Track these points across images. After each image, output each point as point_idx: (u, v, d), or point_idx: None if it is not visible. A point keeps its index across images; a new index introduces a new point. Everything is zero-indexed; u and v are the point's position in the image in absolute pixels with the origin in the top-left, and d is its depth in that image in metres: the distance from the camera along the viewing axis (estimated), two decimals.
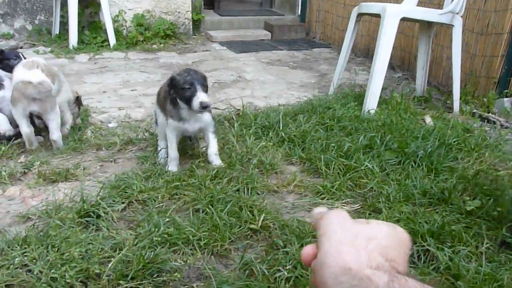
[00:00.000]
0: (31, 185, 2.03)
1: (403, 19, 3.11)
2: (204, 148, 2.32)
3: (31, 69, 2.37)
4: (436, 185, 1.86)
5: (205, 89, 2.01)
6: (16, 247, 1.42)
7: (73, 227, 1.52)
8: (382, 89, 3.08)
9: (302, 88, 3.91)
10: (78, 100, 2.80)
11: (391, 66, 4.52)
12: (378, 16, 3.17)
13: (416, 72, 3.66)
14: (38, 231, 1.55)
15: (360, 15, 3.44)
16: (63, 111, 2.57)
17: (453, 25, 3.15)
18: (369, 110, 2.96)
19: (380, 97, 3.10)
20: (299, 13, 6.24)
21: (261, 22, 6.12)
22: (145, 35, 5.20)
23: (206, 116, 2.12)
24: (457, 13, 3.12)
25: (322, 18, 5.78)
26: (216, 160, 2.17)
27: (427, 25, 3.43)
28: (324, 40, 5.80)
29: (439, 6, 3.60)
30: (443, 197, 1.79)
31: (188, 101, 1.97)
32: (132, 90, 3.69)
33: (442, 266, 1.41)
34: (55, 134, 2.42)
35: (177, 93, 2.03)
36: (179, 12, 5.51)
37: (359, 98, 3.24)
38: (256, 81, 4.07)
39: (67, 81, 2.72)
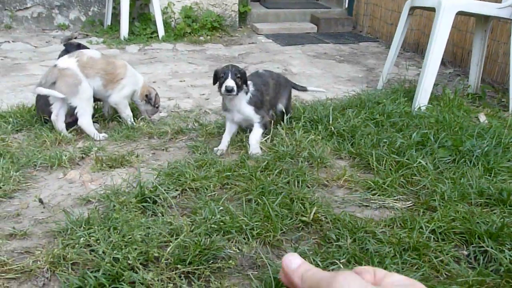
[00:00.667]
0: (89, 170, 2.12)
1: (459, 13, 3.01)
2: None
3: (70, 57, 2.49)
4: (494, 186, 1.81)
5: (237, 78, 2.26)
6: (80, 228, 1.50)
7: (134, 211, 1.58)
8: (433, 85, 3.00)
9: (349, 82, 3.87)
10: (147, 97, 2.79)
11: (442, 62, 4.38)
12: (432, 10, 3.08)
13: (470, 68, 3.54)
14: (100, 213, 1.63)
15: (412, 8, 3.36)
16: (119, 105, 2.68)
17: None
18: (420, 106, 2.90)
19: (432, 93, 3.03)
20: (346, 6, 6.15)
21: (307, 15, 6.07)
22: (193, 27, 5.28)
23: (248, 110, 2.36)
24: None
25: (370, 11, 5.67)
26: (254, 148, 2.30)
27: (483, 19, 3.30)
28: (371, 34, 5.69)
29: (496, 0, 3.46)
30: (501, 198, 1.73)
31: (220, 88, 2.30)
32: (180, 81, 3.77)
33: (503, 268, 1.37)
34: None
35: (217, 83, 2.35)
36: (226, 5, 5.56)
37: (409, 93, 3.17)
38: (303, 74, 4.06)
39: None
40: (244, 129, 2.56)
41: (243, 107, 2.35)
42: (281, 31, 5.67)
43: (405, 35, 4.33)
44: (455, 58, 4.31)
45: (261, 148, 2.30)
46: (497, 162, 2.03)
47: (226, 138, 2.41)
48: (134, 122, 2.73)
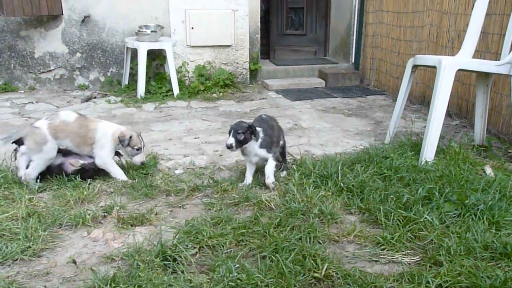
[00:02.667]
0: (112, 228, 2.24)
1: (460, 70, 3.18)
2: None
3: (45, 119, 2.84)
4: (498, 239, 1.88)
5: (238, 134, 2.70)
6: (107, 286, 1.60)
7: (157, 269, 1.69)
8: (440, 138, 3.12)
9: (357, 136, 4.00)
10: (120, 140, 2.88)
11: (448, 114, 4.53)
12: (433, 67, 3.25)
13: (475, 120, 3.65)
14: (124, 271, 1.73)
15: (415, 66, 3.54)
16: (103, 165, 2.91)
17: (511, 75, 3.17)
18: (426, 160, 3.00)
19: (438, 146, 3.14)
20: (353, 61, 6.42)
21: (315, 70, 6.34)
22: (206, 84, 5.55)
23: (262, 152, 2.82)
24: None
25: (376, 66, 5.91)
26: (269, 177, 2.76)
27: (484, 74, 3.46)
28: (378, 87, 5.90)
29: (497, 54, 3.64)
30: (505, 252, 1.80)
31: None
32: (195, 138, 3.95)
33: None
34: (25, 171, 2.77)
35: None
36: (237, 63, 5.85)
37: (416, 147, 3.28)
38: (312, 129, 4.21)
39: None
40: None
41: (257, 150, 2.82)
42: (290, 87, 5.92)
43: (411, 88, 4.51)
44: (460, 110, 4.45)
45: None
46: (502, 215, 2.11)
47: (248, 176, 2.90)
48: (127, 178, 2.90)
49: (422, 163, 2.98)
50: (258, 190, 2.71)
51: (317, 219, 2.21)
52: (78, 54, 5.59)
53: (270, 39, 7.40)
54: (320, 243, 2.00)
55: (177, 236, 2.00)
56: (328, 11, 6.86)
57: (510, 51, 3.13)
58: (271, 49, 7.37)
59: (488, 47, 3.93)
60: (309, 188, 2.49)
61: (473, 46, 3.58)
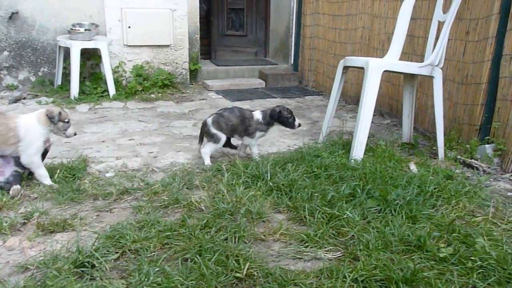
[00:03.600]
0: (30, 237, 2.13)
1: (386, 71, 3.32)
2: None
3: None
4: (413, 233, 1.97)
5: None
6: None
7: (68, 277, 1.61)
8: (370, 136, 3.23)
9: (294, 135, 4.07)
10: (49, 118, 2.75)
11: (380, 113, 4.72)
12: (362, 68, 3.37)
13: (402, 119, 3.82)
14: (36, 281, 1.65)
15: (346, 67, 3.65)
16: (29, 165, 2.72)
17: (433, 77, 3.34)
18: (355, 158, 3.10)
19: (368, 144, 3.26)
20: (292, 62, 6.53)
21: (256, 71, 6.39)
22: (144, 85, 5.43)
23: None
24: (436, 65, 3.32)
25: (314, 67, 6.04)
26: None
27: (410, 76, 3.63)
28: (316, 88, 6.04)
29: (422, 57, 3.82)
30: (419, 244, 1.89)
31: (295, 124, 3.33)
32: (130, 140, 3.85)
33: None
34: None
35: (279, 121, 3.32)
36: (176, 63, 5.77)
37: (347, 145, 3.38)
38: None
39: None
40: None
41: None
42: (231, 87, 5.92)
43: (346, 88, 4.63)
44: (391, 110, 4.64)
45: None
46: (419, 210, 2.22)
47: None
48: (52, 183, 2.75)
49: (352, 161, 3.08)
50: (189, 191, 2.68)
51: (244, 219, 2.22)
52: (6, 53, 5.28)
53: (211, 40, 7.37)
54: (246, 243, 2.01)
55: (96, 242, 1.92)
56: (268, 12, 6.94)
57: (431, 54, 3.30)
58: (212, 49, 7.35)
59: (415, 49, 4.13)
60: (239, 188, 2.49)
61: (400, 48, 3.74)
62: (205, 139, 3.28)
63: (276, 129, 4.21)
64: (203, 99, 5.43)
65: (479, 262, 1.72)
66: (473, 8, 3.45)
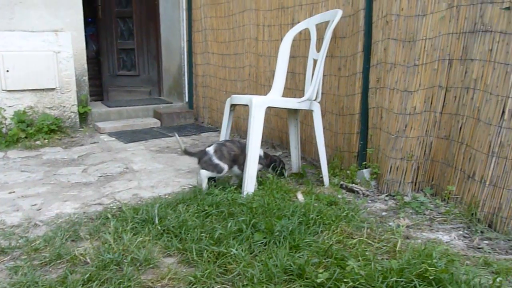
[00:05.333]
0: None
1: (269, 108, 3.51)
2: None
3: None
4: (294, 262, 2.07)
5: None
6: None
7: None
8: (257, 171, 3.36)
9: (189, 174, 4.07)
10: None
11: (272, 146, 4.94)
12: (247, 105, 3.52)
13: (291, 151, 4.04)
14: None
15: (233, 105, 3.80)
16: None
17: (312, 110, 3.61)
18: (248, 193, 3.20)
19: (258, 177, 3.39)
20: (187, 100, 6.60)
21: (150, 110, 6.34)
22: (28, 131, 5.10)
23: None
24: (314, 100, 3.59)
25: (208, 104, 6.17)
26: None
27: (293, 110, 3.87)
28: (212, 124, 6.15)
29: (303, 91, 4.11)
30: (299, 272, 2.00)
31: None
32: (10, 193, 3.56)
33: None
34: None
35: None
36: (64, 107, 5.52)
37: (240, 181, 3.47)
38: (144, 171, 4.16)
39: None
40: None
41: None
42: (124, 128, 5.79)
43: (239, 123, 4.77)
44: (282, 142, 4.88)
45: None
46: (302, 238, 2.34)
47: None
48: None
49: (244, 196, 3.16)
50: (74, 244, 2.54)
51: (131, 267, 2.16)
52: None
53: (102, 80, 7.20)
54: None
55: None
56: (159, 52, 6.99)
57: (309, 89, 3.57)
58: (104, 90, 7.17)
59: (297, 85, 4.43)
60: (127, 236, 2.43)
61: (282, 85, 4.00)
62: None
63: (172, 169, 4.23)
64: (94, 143, 5.23)
65: (351, 283, 1.86)
66: (342, 47, 3.82)
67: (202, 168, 3.33)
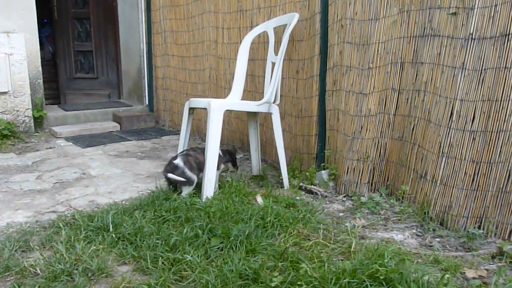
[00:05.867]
0: None
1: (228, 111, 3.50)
2: None
3: None
4: (250, 266, 2.07)
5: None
6: None
7: None
8: (223, 172, 3.35)
9: (148, 178, 4.01)
10: None
11: (234, 148, 4.92)
12: (205, 109, 3.50)
13: (251, 153, 4.04)
14: None
15: (192, 108, 3.76)
16: None
17: (271, 113, 3.63)
18: (207, 197, 3.17)
19: (220, 181, 3.37)
20: (147, 103, 6.49)
21: (109, 114, 6.20)
22: None
23: None
24: (273, 102, 3.61)
25: (169, 107, 6.10)
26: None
27: (252, 113, 3.88)
28: (173, 127, 6.08)
29: (263, 94, 4.12)
30: (254, 277, 2.00)
31: None
32: None
33: None
34: None
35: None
36: (17, 111, 5.32)
37: (199, 185, 3.44)
38: (101, 177, 4.06)
39: None
40: None
41: None
42: (82, 133, 5.64)
43: (200, 127, 4.74)
44: (243, 144, 4.87)
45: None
46: (258, 242, 2.35)
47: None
48: None
49: (203, 200, 3.14)
50: (24, 255, 2.44)
51: (83, 277, 2.10)
52: None
53: (59, 83, 6.99)
54: None
55: None
56: (118, 54, 6.84)
57: (268, 92, 3.58)
58: (61, 93, 6.98)
59: (257, 87, 4.44)
60: (80, 244, 2.36)
61: (241, 88, 4.01)
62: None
63: (131, 174, 4.15)
64: (50, 148, 5.06)
65: (305, 286, 1.88)
66: (300, 50, 3.86)
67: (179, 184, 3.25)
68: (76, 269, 2.16)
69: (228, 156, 3.62)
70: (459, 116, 2.69)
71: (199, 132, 5.49)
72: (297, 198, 3.29)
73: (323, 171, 3.65)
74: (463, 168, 2.72)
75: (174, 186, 3.34)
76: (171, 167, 3.27)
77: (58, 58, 7.02)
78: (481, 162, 2.66)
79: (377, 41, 3.12)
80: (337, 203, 3.31)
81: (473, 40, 2.61)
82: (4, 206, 3.31)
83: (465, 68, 2.65)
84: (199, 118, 5.35)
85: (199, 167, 3.31)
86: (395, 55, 3.12)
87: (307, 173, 3.75)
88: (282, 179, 3.73)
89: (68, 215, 3.02)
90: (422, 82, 2.97)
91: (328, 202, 3.34)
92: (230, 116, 4.88)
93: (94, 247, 2.38)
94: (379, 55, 3.14)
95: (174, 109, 6.00)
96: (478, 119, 2.64)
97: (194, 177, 3.26)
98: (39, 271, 2.24)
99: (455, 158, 2.74)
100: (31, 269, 2.26)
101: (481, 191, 2.69)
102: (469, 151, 2.69)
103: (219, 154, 3.41)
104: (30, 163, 4.47)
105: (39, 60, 5.57)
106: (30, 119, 5.45)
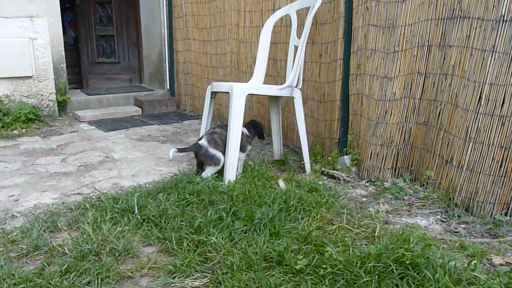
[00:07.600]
0: None
1: (250, 94, 3.49)
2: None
3: None
4: (274, 249, 2.08)
5: None
6: None
7: None
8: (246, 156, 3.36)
9: (171, 162, 4.04)
10: None
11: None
12: (228, 93, 3.50)
13: (272, 138, 4.03)
14: None
15: (214, 92, 3.76)
16: None
17: (294, 97, 3.60)
18: (230, 180, 3.19)
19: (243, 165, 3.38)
20: (168, 87, 6.52)
21: (131, 98, 6.25)
22: (4, 121, 4.99)
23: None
24: (296, 86, 3.59)
25: (190, 91, 6.11)
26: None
27: (274, 97, 3.85)
28: (194, 112, 6.10)
29: (285, 78, 4.09)
30: (279, 259, 2.01)
31: None
32: None
33: None
34: None
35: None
36: (42, 95, 5.41)
37: (222, 168, 3.46)
38: (124, 160, 4.11)
39: None
40: None
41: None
42: (105, 117, 5.71)
43: (221, 112, 4.74)
44: (264, 129, 4.85)
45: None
46: (282, 225, 2.35)
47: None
48: None
49: (226, 184, 3.15)
50: (52, 235, 2.50)
51: (110, 257, 2.14)
52: None
53: (81, 68, 7.06)
54: (110, 283, 1.94)
55: None
56: (139, 39, 6.87)
57: (290, 76, 3.55)
58: (84, 78, 7.05)
59: (279, 71, 4.40)
60: (106, 226, 2.40)
61: (263, 72, 3.98)
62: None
63: (153, 158, 4.20)
64: (74, 132, 5.15)
65: (330, 269, 1.88)
66: (323, 33, 3.81)
67: (205, 164, 3.30)
68: (103, 249, 2.21)
69: (253, 130, 3.65)
70: (488, 100, 2.62)
71: (220, 117, 5.50)
72: (320, 182, 3.28)
73: (345, 156, 3.62)
74: (491, 154, 2.66)
75: (201, 165, 3.38)
76: (195, 147, 3.34)
77: (80, 43, 7.09)
78: (510, 147, 2.60)
79: (404, 24, 3.05)
80: (360, 188, 3.29)
81: (504, 22, 2.52)
82: (31, 188, 3.39)
83: (496, 51, 2.57)
84: (220, 103, 5.36)
85: (226, 144, 3.33)
86: (422, 38, 3.04)
87: (329, 158, 3.72)
88: (303, 163, 3.71)
89: (94, 197, 3.08)
90: (450, 65, 2.89)
91: (350, 187, 3.32)
92: (251, 101, 4.87)
93: (120, 228, 2.42)
94: (405, 38, 3.07)
95: (195, 94, 6.01)
96: (508, 104, 2.56)
97: (220, 156, 3.29)
98: (67, 251, 2.29)
99: (483, 144, 2.68)
100: (59, 248, 2.31)
101: (509, 177, 2.63)
102: (498, 137, 2.62)
103: (246, 134, 3.44)
104: (54, 146, 4.55)
105: (62, 44, 5.63)
106: (54, 103, 5.54)
